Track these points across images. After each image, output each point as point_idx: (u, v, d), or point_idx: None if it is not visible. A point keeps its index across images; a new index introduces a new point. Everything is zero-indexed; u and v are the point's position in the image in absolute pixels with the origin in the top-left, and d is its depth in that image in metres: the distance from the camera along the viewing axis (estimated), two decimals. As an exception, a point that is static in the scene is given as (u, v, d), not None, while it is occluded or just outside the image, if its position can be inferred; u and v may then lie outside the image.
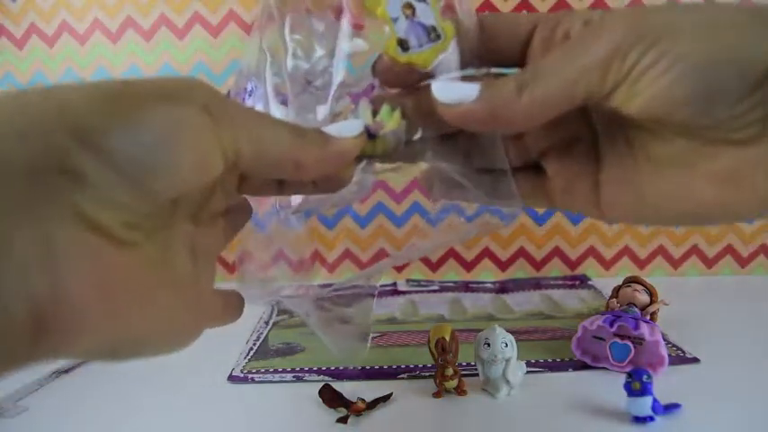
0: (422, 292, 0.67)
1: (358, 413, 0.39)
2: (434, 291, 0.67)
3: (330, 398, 0.41)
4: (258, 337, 0.54)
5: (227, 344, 0.52)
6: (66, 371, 0.48)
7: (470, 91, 0.22)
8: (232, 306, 0.26)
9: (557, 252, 0.72)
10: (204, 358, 0.50)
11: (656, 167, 0.23)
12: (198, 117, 0.18)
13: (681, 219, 0.24)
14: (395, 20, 0.24)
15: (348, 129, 0.23)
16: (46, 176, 0.15)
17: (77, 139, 0.16)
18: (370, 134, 0.24)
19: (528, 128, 0.24)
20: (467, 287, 0.67)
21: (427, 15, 0.24)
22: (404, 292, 0.66)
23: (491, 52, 0.25)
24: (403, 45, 0.25)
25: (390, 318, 0.59)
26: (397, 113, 0.25)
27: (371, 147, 0.24)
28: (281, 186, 0.25)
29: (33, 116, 0.16)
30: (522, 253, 0.72)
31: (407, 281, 0.70)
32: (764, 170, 0.21)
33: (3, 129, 0.15)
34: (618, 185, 0.25)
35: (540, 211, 0.70)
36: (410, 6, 0.24)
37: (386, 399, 0.41)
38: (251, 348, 0.52)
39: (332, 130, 0.23)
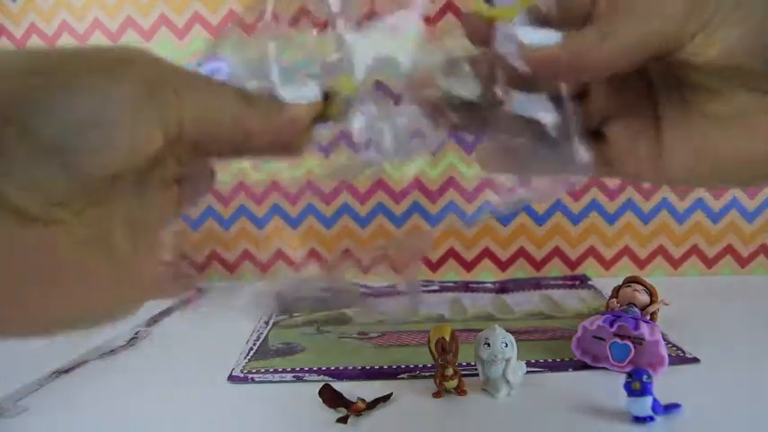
0: (422, 292, 0.67)
1: (358, 413, 0.39)
2: (434, 291, 0.67)
3: (330, 398, 0.41)
4: (258, 337, 0.54)
5: (227, 344, 0.52)
6: (67, 371, 0.48)
7: (555, 36, 0.24)
8: (181, 279, 0.26)
9: (557, 252, 0.72)
10: (204, 358, 0.50)
11: (716, 123, 0.24)
12: (132, 92, 0.18)
13: (740, 174, 0.24)
14: None
15: (304, 94, 0.23)
16: None
17: (1, 115, 0.15)
18: (325, 96, 0.24)
19: (607, 74, 0.25)
20: (467, 287, 0.67)
21: None
22: (404, 293, 0.66)
23: (562, 9, 0.26)
24: (489, 1, 0.27)
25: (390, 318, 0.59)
26: (351, 79, 0.25)
27: (327, 109, 0.24)
28: (237, 152, 0.23)
29: None
30: (522, 253, 0.72)
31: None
32: None
33: None
34: (679, 143, 0.25)
35: (541, 210, 0.71)
36: None
37: (386, 399, 0.41)
38: (251, 348, 0.52)
39: (287, 94, 0.23)
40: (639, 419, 0.37)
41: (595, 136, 0.28)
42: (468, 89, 0.28)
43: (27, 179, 0.16)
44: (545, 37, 0.24)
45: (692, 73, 0.23)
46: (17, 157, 0.15)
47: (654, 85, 0.26)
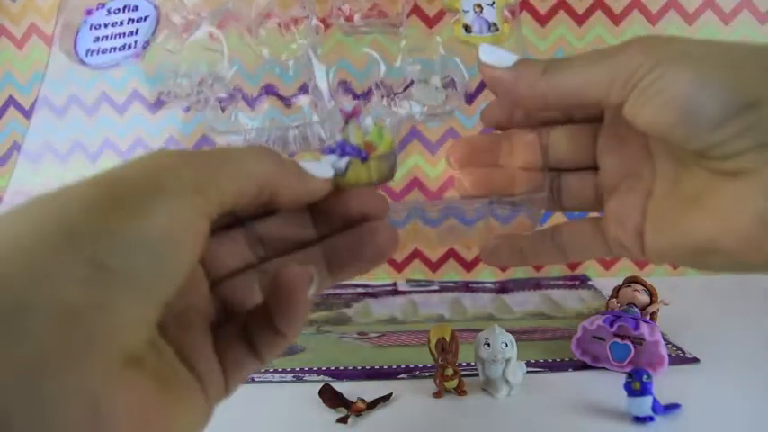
0: (422, 292, 0.67)
1: (358, 413, 0.39)
2: (434, 291, 0.67)
3: (330, 398, 0.41)
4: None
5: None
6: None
7: (508, 59, 0.26)
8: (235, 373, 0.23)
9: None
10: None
11: (686, 204, 0.24)
12: (191, 204, 0.18)
13: (714, 260, 0.24)
14: (465, 12, 0.33)
15: (319, 169, 0.23)
16: (78, 313, 0.14)
17: (92, 265, 0.15)
18: (362, 158, 0.23)
19: (540, 108, 0.29)
20: (467, 287, 0.67)
21: (491, 14, 0.33)
22: (404, 292, 0.66)
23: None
24: (467, 29, 0.33)
25: (390, 318, 0.59)
26: (388, 133, 0.25)
27: (365, 172, 0.23)
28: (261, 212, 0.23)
29: (42, 251, 0.14)
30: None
31: (407, 281, 0.70)
32: (755, 207, 0.21)
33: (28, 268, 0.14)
34: (660, 223, 0.26)
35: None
36: (480, 6, 0.33)
37: (386, 399, 0.41)
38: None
39: (306, 166, 0.23)
40: (639, 419, 0.37)
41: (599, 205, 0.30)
42: (432, 98, 0.34)
43: (130, 321, 0.15)
44: (502, 56, 0.26)
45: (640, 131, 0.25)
46: (118, 302, 0.15)
47: (655, 162, 0.27)
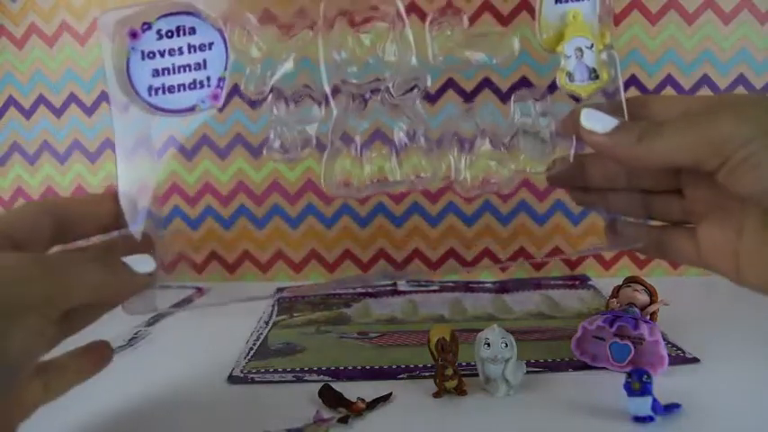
0: (422, 292, 0.67)
1: (358, 413, 0.39)
2: (434, 291, 0.67)
3: (330, 398, 0.41)
4: (258, 337, 0.54)
5: (227, 344, 0.52)
6: (66, 371, 0.48)
7: (606, 124, 0.30)
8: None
9: (556, 252, 0.72)
10: (204, 358, 0.50)
11: None
12: (44, 316, 0.23)
13: None
14: (568, 57, 0.34)
15: (141, 265, 0.30)
16: None
17: None
18: None
19: (639, 169, 0.32)
20: (467, 287, 0.67)
21: (591, 59, 0.34)
22: (404, 292, 0.66)
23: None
24: (570, 77, 0.34)
25: (390, 318, 0.59)
26: None
27: None
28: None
29: None
30: (522, 253, 0.72)
31: (407, 281, 0.70)
32: None
33: None
34: (755, 254, 0.29)
35: (542, 210, 0.71)
36: (580, 50, 0.33)
37: (386, 399, 0.41)
38: (251, 348, 0.52)
39: (129, 262, 0.29)
40: (639, 419, 0.37)
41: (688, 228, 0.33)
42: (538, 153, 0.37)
43: None
44: (601, 122, 0.30)
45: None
46: None
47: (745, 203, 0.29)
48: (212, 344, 0.53)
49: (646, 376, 0.36)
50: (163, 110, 0.35)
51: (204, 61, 0.35)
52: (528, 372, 0.42)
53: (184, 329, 0.58)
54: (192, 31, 0.35)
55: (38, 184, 0.74)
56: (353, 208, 0.71)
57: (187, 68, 0.35)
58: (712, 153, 0.25)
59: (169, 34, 0.35)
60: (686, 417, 0.38)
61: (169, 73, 0.35)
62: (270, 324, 0.58)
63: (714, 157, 0.25)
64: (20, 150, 0.73)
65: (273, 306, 0.63)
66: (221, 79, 0.35)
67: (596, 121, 0.30)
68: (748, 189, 0.25)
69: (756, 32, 0.66)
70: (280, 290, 0.67)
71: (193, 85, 0.35)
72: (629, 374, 0.37)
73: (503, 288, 0.67)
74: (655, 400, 0.37)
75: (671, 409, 0.38)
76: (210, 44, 0.35)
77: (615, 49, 0.34)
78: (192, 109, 0.35)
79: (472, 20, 0.68)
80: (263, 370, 0.47)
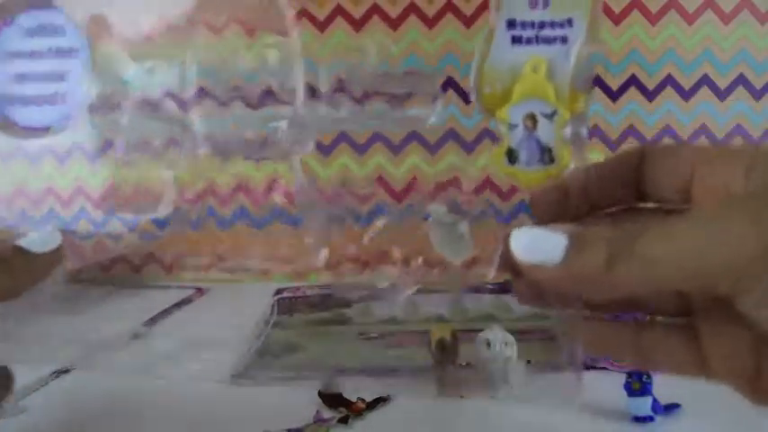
0: (422, 292, 0.67)
1: (358, 413, 0.39)
2: (434, 291, 0.67)
3: (330, 398, 0.41)
4: (258, 337, 0.54)
5: (227, 344, 0.52)
6: (67, 371, 0.48)
7: (555, 252, 0.19)
8: None
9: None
10: (204, 358, 0.50)
11: None
12: None
13: None
14: (512, 126, 0.23)
15: (41, 244, 0.27)
16: None
17: None
18: None
19: (620, 297, 0.21)
20: (467, 287, 0.67)
21: (548, 134, 0.22)
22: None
23: (651, 184, 0.21)
24: (511, 156, 0.24)
25: (390, 318, 0.59)
26: None
27: None
28: None
29: None
30: (522, 253, 0.71)
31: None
32: None
33: None
34: None
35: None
36: (533, 118, 0.22)
37: (386, 399, 0.41)
38: (251, 348, 0.52)
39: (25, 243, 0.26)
40: (639, 419, 0.37)
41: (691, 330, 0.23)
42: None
43: None
44: (545, 249, 0.19)
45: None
46: None
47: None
48: (212, 344, 0.53)
49: (646, 376, 0.36)
50: (21, 129, 0.29)
51: (64, 74, 0.29)
52: (528, 372, 0.42)
53: (184, 329, 0.58)
54: (55, 32, 0.28)
55: None
56: (353, 208, 0.71)
57: (46, 78, 0.29)
58: (724, 277, 0.17)
59: (31, 33, 0.28)
60: (686, 417, 0.38)
61: (29, 80, 0.29)
62: (270, 324, 0.58)
63: (727, 283, 0.17)
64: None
65: (273, 306, 0.63)
66: (78, 97, 0.29)
67: (536, 249, 0.19)
68: None
69: (756, 32, 0.66)
70: (280, 290, 0.67)
71: (53, 100, 0.29)
72: (629, 374, 0.37)
73: (503, 288, 0.67)
74: (655, 400, 0.37)
75: (671, 409, 0.38)
76: (74, 50, 0.28)
77: (587, 121, 0.23)
78: (45, 130, 0.29)
79: (472, 19, 0.68)
80: (263, 370, 0.47)
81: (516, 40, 0.22)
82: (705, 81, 0.67)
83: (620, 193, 0.22)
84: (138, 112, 0.32)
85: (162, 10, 0.31)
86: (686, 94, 0.67)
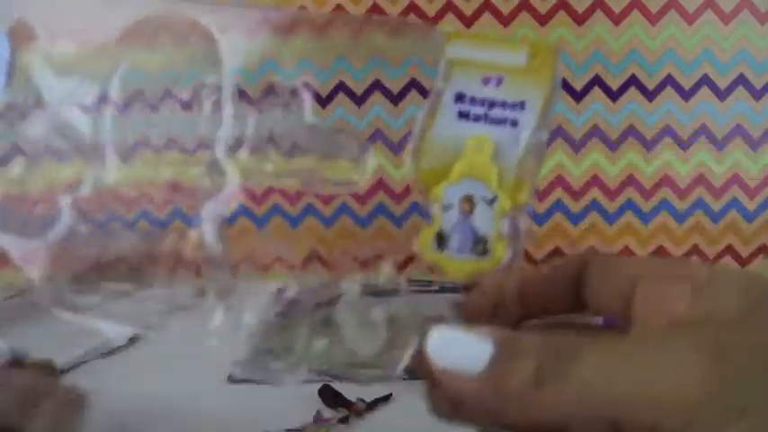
0: (422, 292, 0.67)
1: (358, 413, 0.39)
2: (434, 291, 0.67)
3: (330, 398, 0.41)
4: (258, 337, 0.54)
5: (227, 344, 0.52)
6: (66, 371, 0.48)
7: (476, 360, 0.17)
8: None
9: (557, 252, 0.72)
10: (204, 358, 0.50)
11: None
12: None
13: None
14: (447, 207, 0.20)
15: None
16: None
17: None
18: None
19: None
20: (467, 287, 0.67)
21: (484, 221, 0.20)
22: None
23: (591, 295, 0.20)
24: (440, 240, 0.21)
25: (390, 318, 0.59)
26: None
27: None
28: None
29: None
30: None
31: (408, 281, 0.70)
32: None
33: None
34: None
35: (540, 210, 0.70)
36: (470, 201, 0.20)
37: (386, 399, 0.41)
38: (251, 348, 0.52)
39: None
40: (639, 419, 0.37)
41: None
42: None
43: None
44: (466, 355, 0.17)
45: None
46: None
47: None
48: (212, 344, 0.53)
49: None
50: None
51: None
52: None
53: (184, 329, 0.58)
54: None
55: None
56: (353, 208, 0.71)
57: None
58: (670, 413, 0.15)
59: None
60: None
61: None
62: (270, 324, 0.58)
63: (674, 421, 0.15)
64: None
65: (273, 306, 0.63)
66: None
67: (456, 354, 0.17)
68: None
69: (756, 32, 0.66)
70: (280, 290, 0.67)
71: None
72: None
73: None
74: (655, 401, 0.37)
75: (671, 409, 0.38)
76: None
77: (529, 214, 0.20)
78: None
79: (472, 19, 0.68)
80: (263, 370, 0.47)
81: (463, 116, 0.20)
82: (705, 81, 0.67)
83: (556, 302, 0.20)
84: (49, 124, 0.29)
85: (94, 23, 0.30)
86: (686, 94, 0.67)
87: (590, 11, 0.67)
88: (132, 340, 0.55)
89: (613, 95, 0.67)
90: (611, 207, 0.71)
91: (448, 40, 0.20)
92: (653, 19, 0.66)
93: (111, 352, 0.52)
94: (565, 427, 0.17)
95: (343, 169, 0.27)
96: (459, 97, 0.20)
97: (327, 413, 0.39)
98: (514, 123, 0.19)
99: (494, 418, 0.18)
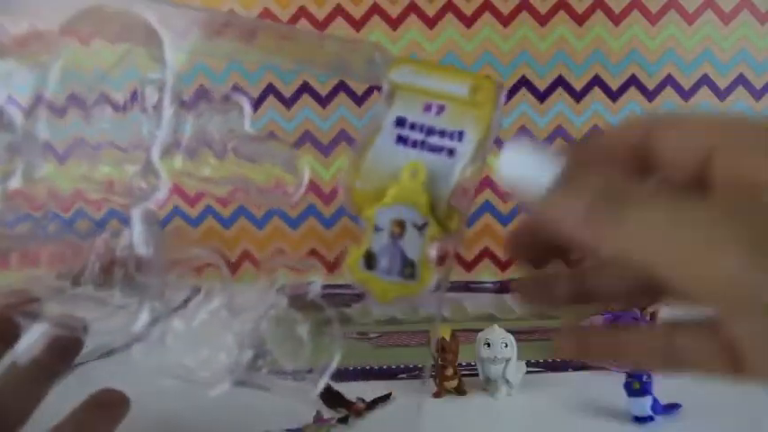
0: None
1: (358, 413, 0.39)
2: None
3: (330, 398, 0.41)
4: (258, 337, 0.54)
5: (227, 344, 0.52)
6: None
7: (538, 183, 0.17)
8: None
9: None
10: (204, 358, 0.50)
11: None
12: None
13: None
14: (377, 229, 0.21)
15: None
16: None
17: None
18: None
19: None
20: (467, 287, 0.67)
21: (413, 246, 0.20)
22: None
23: (662, 159, 0.18)
24: (369, 261, 0.21)
25: (390, 318, 0.59)
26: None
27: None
28: None
29: None
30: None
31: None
32: None
33: None
34: None
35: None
36: (402, 225, 0.20)
37: (386, 399, 0.41)
38: (251, 348, 0.52)
39: None
40: (639, 419, 0.37)
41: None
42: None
43: None
44: (534, 176, 0.17)
45: None
46: None
47: None
48: (212, 344, 0.53)
49: (646, 376, 0.36)
50: None
51: None
52: (528, 372, 0.42)
53: (184, 329, 0.58)
54: None
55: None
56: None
57: None
58: (711, 292, 0.15)
59: None
60: (686, 417, 0.38)
61: None
62: (270, 324, 0.58)
63: (710, 299, 0.15)
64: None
65: (273, 306, 0.63)
66: None
67: (522, 174, 0.17)
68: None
69: (756, 32, 0.66)
70: (280, 290, 0.67)
71: None
72: (629, 374, 0.37)
73: (503, 288, 0.67)
74: (655, 400, 0.37)
75: (671, 409, 0.38)
76: None
77: (459, 243, 0.21)
78: None
79: (472, 19, 0.68)
80: (263, 369, 0.47)
81: (401, 140, 0.20)
82: (705, 81, 0.67)
83: (619, 167, 0.19)
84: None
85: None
86: (686, 94, 0.67)
87: (590, 11, 0.67)
88: (132, 340, 0.55)
89: (613, 95, 0.67)
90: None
91: (395, 65, 0.20)
92: (653, 19, 0.66)
93: (111, 352, 0.52)
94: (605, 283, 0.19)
95: (274, 176, 0.27)
96: (400, 122, 0.20)
97: (327, 413, 0.39)
98: (451, 152, 0.20)
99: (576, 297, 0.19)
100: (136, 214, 0.27)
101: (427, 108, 0.20)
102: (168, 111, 0.27)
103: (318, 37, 0.25)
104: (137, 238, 0.26)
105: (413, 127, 0.20)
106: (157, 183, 0.28)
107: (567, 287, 0.22)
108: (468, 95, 0.20)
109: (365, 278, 0.22)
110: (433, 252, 0.21)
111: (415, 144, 0.20)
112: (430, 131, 0.20)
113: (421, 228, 0.20)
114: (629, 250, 0.16)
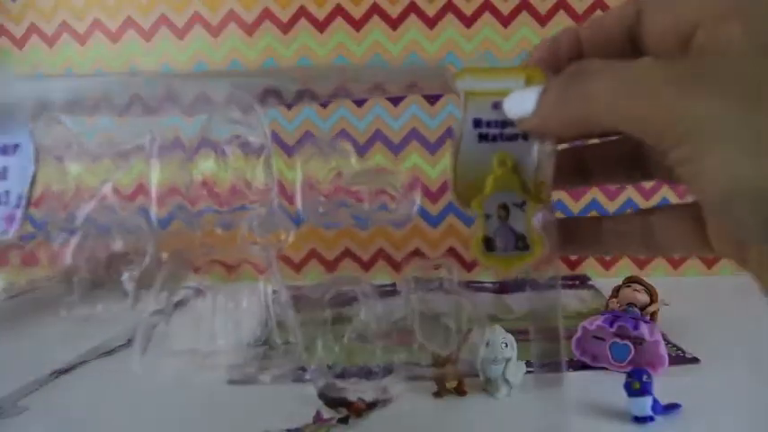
0: (422, 291, 0.67)
1: (358, 413, 0.39)
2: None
3: (330, 398, 0.41)
4: (258, 337, 0.54)
5: (226, 344, 0.52)
6: (66, 371, 0.48)
7: (528, 103, 0.22)
8: None
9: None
10: (204, 359, 0.50)
11: None
12: None
13: None
14: (487, 216, 0.24)
15: None
16: None
17: None
18: None
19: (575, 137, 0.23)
20: (467, 287, 0.67)
21: (519, 222, 0.24)
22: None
23: (648, 37, 0.21)
24: (488, 244, 0.24)
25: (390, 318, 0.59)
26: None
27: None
28: None
29: None
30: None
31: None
32: None
33: None
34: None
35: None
36: (505, 208, 0.24)
37: (386, 399, 0.41)
38: (251, 348, 0.52)
39: None
40: (639, 419, 0.37)
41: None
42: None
43: None
44: (522, 106, 0.22)
45: None
46: None
47: None
48: (212, 344, 0.53)
49: (646, 376, 0.36)
50: None
51: (4, 169, 0.25)
52: (528, 372, 0.42)
53: (184, 329, 0.58)
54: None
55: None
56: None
57: None
58: (647, 124, 0.17)
59: None
60: (686, 417, 0.38)
61: None
62: (270, 324, 0.58)
63: (652, 131, 0.17)
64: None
65: (273, 306, 0.63)
66: (21, 198, 0.25)
67: (518, 104, 0.22)
68: (700, 195, 0.17)
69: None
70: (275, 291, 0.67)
71: None
72: (629, 374, 0.37)
73: (503, 288, 0.67)
74: (655, 400, 0.37)
75: (671, 409, 0.38)
76: (16, 146, 0.25)
77: (553, 211, 0.24)
78: None
79: (472, 19, 0.68)
80: (263, 370, 0.47)
81: (483, 138, 0.23)
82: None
83: (613, 49, 0.21)
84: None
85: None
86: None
87: (590, 11, 0.67)
88: (132, 340, 0.55)
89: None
90: (611, 207, 0.71)
91: (458, 76, 0.23)
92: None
93: (111, 352, 0.52)
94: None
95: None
96: (477, 123, 0.23)
97: (327, 413, 0.39)
98: (525, 137, 0.23)
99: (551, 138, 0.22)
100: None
101: (495, 105, 0.23)
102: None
103: (391, 72, 0.28)
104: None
105: (488, 124, 0.23)
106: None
107: (568, 161, 0.25)
108: (525, 86, 0.22)
109: (490, 261, 0.25)
110: (537, 222, 0.24)
111: (494, 138, 0.23)
112: (503, 124, 0.23)
113: (521, 206, 0.24)
114: (598, 115, 0.19)
